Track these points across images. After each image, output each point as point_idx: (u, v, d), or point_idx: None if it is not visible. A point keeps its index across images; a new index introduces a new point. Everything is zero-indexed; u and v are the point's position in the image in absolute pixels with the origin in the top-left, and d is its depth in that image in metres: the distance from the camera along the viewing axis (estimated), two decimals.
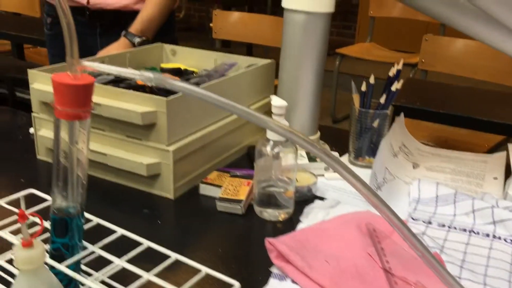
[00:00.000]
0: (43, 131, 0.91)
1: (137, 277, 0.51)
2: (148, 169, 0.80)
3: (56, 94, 0.47)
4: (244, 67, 1.09)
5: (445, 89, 1.76)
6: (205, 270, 0.51)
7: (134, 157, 0.81)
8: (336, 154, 0.97)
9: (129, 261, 0.53)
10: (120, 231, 0.58)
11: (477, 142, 1.93)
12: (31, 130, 1.07)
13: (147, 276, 0.51)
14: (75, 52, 0.47)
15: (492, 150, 1.87)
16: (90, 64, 0.47)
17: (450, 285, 0.46)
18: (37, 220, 0.58)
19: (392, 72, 0.93)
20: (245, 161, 0.98)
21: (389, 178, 0.88)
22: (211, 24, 3.08)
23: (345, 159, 0.99)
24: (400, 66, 0.93)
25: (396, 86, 0.91)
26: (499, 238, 0.72)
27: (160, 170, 0.81)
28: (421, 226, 0.74)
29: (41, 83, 0.89)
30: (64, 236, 0.52)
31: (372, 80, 0.92)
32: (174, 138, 0.81)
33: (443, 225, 0.75)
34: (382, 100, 0.91)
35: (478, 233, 0.73)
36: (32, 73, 0.89)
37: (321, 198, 0.83)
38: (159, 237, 0.57)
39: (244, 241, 0.73)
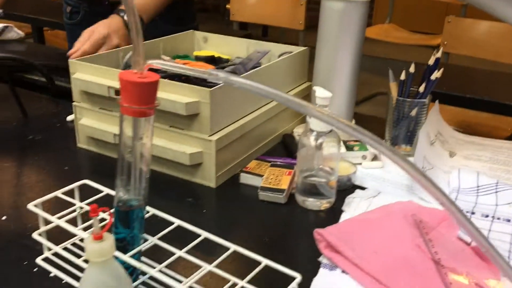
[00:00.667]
0: (84, 120, 0.93)
1: (195, 267, 0.52)
2: (191, 158, 0.81)
3: (123, 92, 0.48)
4: (277, 55, 1.09)
5: (468, 72, 1.74)
6: (265, 261, 0.53)
7: (177, 146, 0.83)
8: None
9: (187, 251, 0.55)
10: (177, 222, 0.59)
11: (499, 125, 1.92)
12: (69, 118, 1.08)
13: (209, 267, 0.52)
14: (141, 50, 0.48)
15: None
16: (157, 62, 0.48)
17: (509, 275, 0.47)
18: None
19: (432, 60, 0.92)
20: (281, 149, 0.99)
21: (428, 167, 0.88)
22: (227, 6, 3.06)
23: None
24: (439, 54, 0.93)
25: (436, 75, 0.90)
26: None
27: (202, 159, 0.82)
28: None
29: (82, 73, 0.90)
30: (127, 228, 0.54)
31: (412, 69, 0.91)
32: (216, 128, 0.82)
33: (487, 216, 0.75)
34: (421, 89, 0.91)
35: None
36: (73, 63, 0.90)
37: (361, 188, 0.84)
38: (204, 226, 0.58)
39: (289, 230, 0.74)
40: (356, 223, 0.69)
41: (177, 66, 0.47)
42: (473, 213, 0.76)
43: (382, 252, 0.63)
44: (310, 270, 0.64)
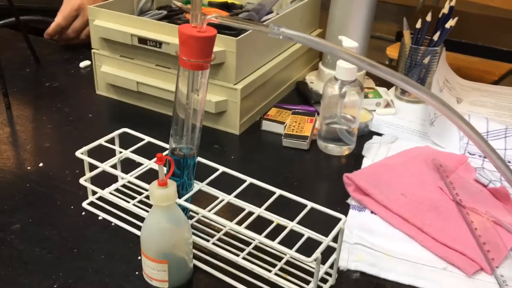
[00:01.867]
0: (104, 67, 0.93)
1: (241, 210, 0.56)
2: (216, 106, 0.84)
3: (183, 45, 0.50)
4: (289, 1, 1.10)
5: (460, 16, 1.76)
6: (310, 204, 0.57)
7: None
8: (383, 89, 1.01)
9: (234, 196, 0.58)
10: (221, 169, 0.63)
11: (488, 70, 1.96)
12: (82, 64, 1.08)
13: (258, 211, 0.56)
14: (199, 4, 0.49)
15: (503, 78, 1.91)
16: (215, 16, 0.49)
17: None
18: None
19: (446, 9, 0.94)
20: (295, 96, 1.01)
21: (439, 113, 0.93)
22: None
23: (391, 93, 1.03)
24: (453, 3, 0.95)
25: (450, 23, 0.93)
26: None
27: (226, 107, 0.85)
28: (478, 160, 0.80)
29: (102, 20, 0.90)
30: (180, 175, 0.57)
31: (429, 17, 0.94)
32: (240, 77, 0.84)
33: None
34: (436, 37, 0.94)
35: None
36: (92, 10, 0.90)
37: (378, 134, 0.88)
38: (235, 171, 0.62)
39: (314, 175, 0.78)
40: (381, 168, 0.73)
41: (235, 20, 0.49)
42: (485, 157, 0.81)
43: (408, 194, 0.68)
44: (340, 211, 0.68)
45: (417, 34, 0.96)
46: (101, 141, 0.66)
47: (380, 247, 0.62)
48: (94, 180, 0.66)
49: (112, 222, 0.64)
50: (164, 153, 0.58)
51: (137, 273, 0.57)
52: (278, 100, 0.98)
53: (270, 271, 0.54)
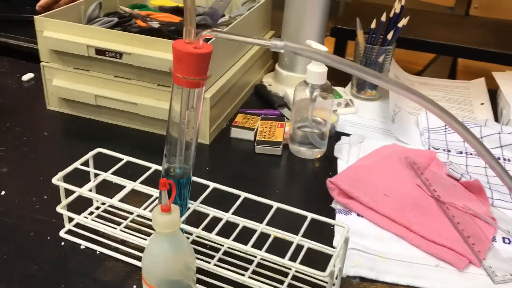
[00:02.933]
0: (56, 81, 0.87)
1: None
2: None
3: (179, 63, 0.47)
4: (240, 3, 1.09)
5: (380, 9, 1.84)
6: (310, 216, 0.56)
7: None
8: (340, 88, 1.03)
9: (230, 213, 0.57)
10: (212, 185, 0.61)
11: (413, 60, 2.06)
12: (25, 77, 1.01)
13: (261, 227, 0.55)
14: (193, 20, 0.47)
15: (426, 67, 2.02)
16: (210, 32, 0.47)
17: None
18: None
19: (397, 8, 0.97)
20: (255, 100, 1.01)
21: (396, 109, 0.96)
22: None
23: (348, 92, 1.05)
24: (403, 2, 0.98)
25: (403, 22, 0.96)
26: (509, 160, 0.83)
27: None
28: (443, 154, 0.83)
29: (52, 31, 0.83)
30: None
31: (383, 18, 0.96)
32: (207, 85, 0.82)
33: (461, 152, 0.85)
34: (390, 36, 0.97)
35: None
36: (40, 20, 0.84)
37: (345, 134, 0.89)
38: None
39: (293, 180, 0.78)
40: (360, 169, 0.74)
41: (233, 34, 0.48)
42: (449, 150, 0.85)
43: (390, 194, 0.70)
44: (326, 216, 0.69)
45: (372, 34, 0.98)
46: (77, 164, 0.62)
47: (373, 250, 0.63)
48: (67, 206, 0.61)
49: (97, 251, 0.60)
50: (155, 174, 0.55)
51: None
52: (241, 105, 0.97)
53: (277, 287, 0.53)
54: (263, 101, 0.99)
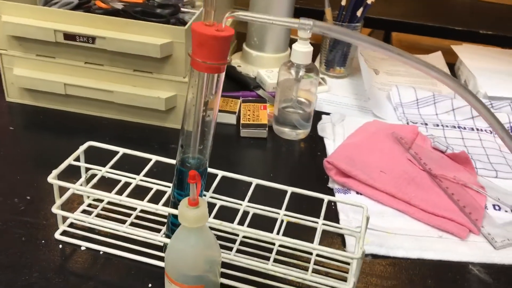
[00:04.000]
0: (17, 70, 0.80)
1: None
2: (166, 103, 0.77)
3: (199, 46, 0.44)
4: None
5: None
6: (327, 198, 0.56)
7: (149, 92, 0.77)
8: None
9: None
10: (221, 173, 0.58)
11: None
12: None
13: (282, 213, 0.54)
14: (214, 2, 0.44)
15: None
16: (238, 14, 0.44)
17: None
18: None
19: None
20: (226, 82, 0.97)
21: (368, 86, 0.97)
22: None
23: None
24: None
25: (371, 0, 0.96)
26: (481, 130, 0.87)
27: (176, 103, 0.79)
28: (422, 128, 0.85)
29: (12, 15, 0.76)
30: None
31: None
32: (188, 68, 0.78)
33: (437, 125, 0.87)
34: (359, 13, 0.97)
35: (465, 128, 0.87)
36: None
37: (324, 113, 0.89)
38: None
39: (285, 162, 0.77)
40: (351, 148, 0.74)
41: (259, 16, 0.45)
42: (426, 124, 0.87)
43: (386, 170, 0.70)
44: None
45: (342, 11, 0.98)
46: (70, 160, 0.57)
47: (379, 227, 0.63)
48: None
49: (100, 251, 0.56)
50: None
51: None
52: None
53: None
54: (236, 82, 0.97)
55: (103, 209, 0.61)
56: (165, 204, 0.54)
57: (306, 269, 0.54)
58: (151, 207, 0.53)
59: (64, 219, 0.59)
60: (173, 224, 0.54)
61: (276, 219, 0.55)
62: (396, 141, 0.77)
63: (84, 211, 0.61)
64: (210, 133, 0.50)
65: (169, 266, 0.47)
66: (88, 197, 0.63)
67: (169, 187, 0.59)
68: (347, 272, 0.56)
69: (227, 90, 0.92)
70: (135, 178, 0.57)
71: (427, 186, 0.70)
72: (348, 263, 0.56)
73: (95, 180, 0.58)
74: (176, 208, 0.51)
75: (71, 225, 0.59)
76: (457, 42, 1.22)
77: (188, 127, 0.50)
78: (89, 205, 0.62)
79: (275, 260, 0.55)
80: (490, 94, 0.91)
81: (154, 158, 0.60)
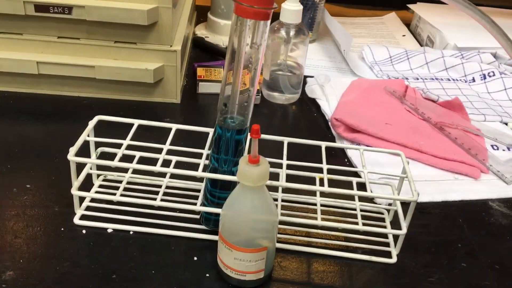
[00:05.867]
0: None
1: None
2: (155, 74, 0.72)
3: None
4: None
5: None
6: (362, 148, 0.55)
7: (133, 64, 0.72)
8: None
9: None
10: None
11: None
12: None
13: (325, 167, 0.52)
14: None
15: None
16: None
17: None
18: None
19: None
20: (199, 54, 0.94)
21: (345, 47, 0.96)
22: None
23: None
24: None
25: None
26: (457, 79, 0.90)
27: (163, 74, 0.74)
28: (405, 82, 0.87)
29: None
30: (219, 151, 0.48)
31: None
32: (175, 37, 0.74)
33: (417, 78, 0.89)
34: None
35: (442, 79, 0.90)
36: None
37: (306, 77, 0.88)
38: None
39: (284, 127, 0.75)
40: (352, 104, 0.74)
41: None
42: (406, 78, 0.89)
43: (391, 122, 0.71)
44: (335, 154, 0.68)
45: None
46: (84, 136, 0.52)
47: (398, 176, 0.64)
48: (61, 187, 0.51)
49: (130, 231, 0.52)
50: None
51: (208, 275, 0.48)
52: (188, 61, 0.90)
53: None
54: (209, 53, 0.93)
55: (120, 183, 0.56)
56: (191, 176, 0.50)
57: (350, 222, 0.53)
58: (189, 174, 0.49)
59: (80, 201, 0.53)
60: (210, 193, 0.50)
61: (312, 178, 0.54)
62: (390, 95, 0.78)
63: (97, 193, 0.56)
64: (252, 90, 0.47)
65: (227, 231, 0.44)
66: (98, 176, 0.57)
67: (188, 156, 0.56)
68: (384, 221, 0.56)
69: (202, 61, 0.88)
70: (160, 149, 0.53)
71: (431, 134, 0.71)
72: (394, 209, 0.55)
73: (120, 154, 0.52)
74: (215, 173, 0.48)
75: (88, 208, 0.54)
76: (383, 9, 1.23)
77: (234, 83, 0.46)
78: (101, 186, 0.57)
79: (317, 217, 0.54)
80: (460, 45, 0.95)
81: (174, 126, 0.55)
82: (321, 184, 0.50)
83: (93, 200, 0.54)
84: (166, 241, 0.51)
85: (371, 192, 0.49)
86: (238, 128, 0.47)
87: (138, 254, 0.49)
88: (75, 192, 0.50)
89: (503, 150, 0.72)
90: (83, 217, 0.53)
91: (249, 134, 0.46)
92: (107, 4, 0.67)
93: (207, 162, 0.51)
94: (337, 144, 0.55)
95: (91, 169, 0.55)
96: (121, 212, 0.53)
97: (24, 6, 0.67)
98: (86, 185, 0.54)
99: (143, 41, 0.71)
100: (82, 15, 0.68)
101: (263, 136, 0.54)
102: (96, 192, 0.56)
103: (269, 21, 0.44)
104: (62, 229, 0.51)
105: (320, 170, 0.54)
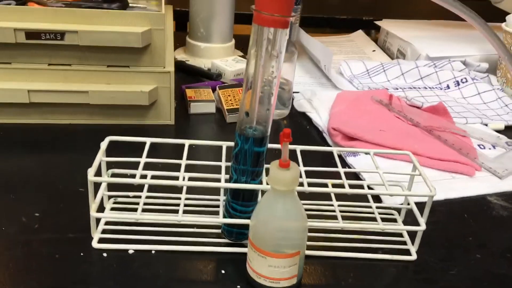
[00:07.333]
0: None
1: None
2: (150, 96, 0.72)
3: None
4: None
5: None
6: (372, 151, 0.57)
7: (127, 87, 0.71)
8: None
9: None
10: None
11: None
12: None
13: (342, 171, 0.53)
14: None
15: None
16: None
17: None
18: None
19: None
20: (184, 77, 0.94)
21: (326, 62, 0.99)
22: None
23: None
24: None
25: None
26: (433, 87, 0.94)
27: (157, 96, 0.74)
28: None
29: None
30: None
31: None
32: (168, 58, 0.74)
33: (396, 88, 0.93)
34: None
35: (419, 87, 0.94)
36: None
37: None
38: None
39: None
40: (343, 115, 0.76)
41: None
42: (386, 89, 0.92)
43: (384, 128, 0.73)
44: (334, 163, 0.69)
45: None
46: (99, 157, 0.51)
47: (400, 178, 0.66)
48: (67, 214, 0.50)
49: (151, 250, 0.51)
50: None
51: (238, 287, 0.48)
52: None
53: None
54: (192, 75, 0.94)
55: (131, 204, 0.55)
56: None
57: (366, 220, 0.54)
58: (212, 186, 0.49)
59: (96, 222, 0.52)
60: (231, 204, 0.50)
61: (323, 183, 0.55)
62: (378, 103, 0.81)
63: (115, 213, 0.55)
64: (272, 98, 0.48)
65: (260, 238, 0.45)
66: (109, 198, 0.56)
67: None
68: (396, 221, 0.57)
69: (186, 83, 0.89)
70: (172, 165, 0.53)
71: (422, 137, 0.74)
72: (392, 213, 0.57)
73: (139, 173, 0.51)
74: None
75: (103, 231, 0.53)
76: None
77: (254, 91, 0.47)
78: (113, 208, 0.56)
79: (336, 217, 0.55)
80: (432, 55, 1.00)
81: (187, 142, 0.55)
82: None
83: (107, 222, 0.53)
84: (190, 258, 0.50)
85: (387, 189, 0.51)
86: (259, 136, 0.48)
87: (164, 273, 0.48)
88: (94, 214, 0.49)
89: (489, 148, 0.75)
90: (101, 241, 0.51)
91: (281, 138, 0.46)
92: (100, 28, 0.67)
93: (219, 175, 0.51)
94: (348, 148, 0.57)
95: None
96: (139, 232, 0.52)
97: (14, 34, 0.66)
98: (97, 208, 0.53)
99: (137, 63, 0.71)
100: (74, 40, 0.67)
101: (273, 146, 0.55)
102: (110, 213, 0.54)
103: (288, 29, 0.46)
104: (82, 254, 0.50)
105: (331, 175, 0.55)
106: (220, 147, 0.56)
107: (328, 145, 0.73)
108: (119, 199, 0.57)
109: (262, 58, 0.46)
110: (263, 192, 0.50)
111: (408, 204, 0.56)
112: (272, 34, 0.45)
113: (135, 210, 0.53)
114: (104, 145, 0.53)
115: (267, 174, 0.50)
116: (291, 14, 0.45)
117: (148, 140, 0.55)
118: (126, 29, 0.68)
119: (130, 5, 0.85)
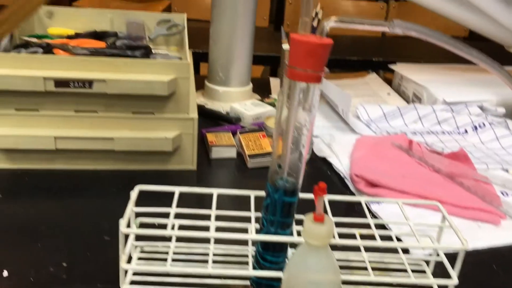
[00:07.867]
0: None
1: None
2: (173, 143, 0.73)
3: (308, 56, 0.44)
4: (155, 24, 1.02)
5: None
6: (401, 201, 0.56)
7: (151, 134, 0.72)
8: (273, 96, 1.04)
9: None
10: None
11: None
12: None
13: (371, 219, 0.53)
14: (310, 12, 0.44)
15: (263, 74, 2.16)
16: (339, 23, 0.45)
17: None
18: None
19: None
20: (203, 121, 0.95)
21: (344, 107, 1.00)
22: None
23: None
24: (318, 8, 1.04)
25: None
26: (451, 132, 0.95)
27: (180, 142, 0.75)
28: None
29: None
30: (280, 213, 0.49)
31: (315, 23, 1.00)
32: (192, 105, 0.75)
33: (415, 133, 0.93)
34: None
35: (437, 132, 0.94)
36: None
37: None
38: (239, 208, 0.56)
39: (303, 188, 0.76)
40: (365, 161, 0.77)
41: (359, 21, 0.46)
42: (405, 133, 0.93)
43: (406, 175, 0.73)
44: (358, 211, 0.69)
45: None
46: (130, 207, 0.51)
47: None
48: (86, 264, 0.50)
49: None
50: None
51: None
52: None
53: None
54: (212, 119, 0.95)
55: (158, 254, 0.55)
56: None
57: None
58: (245, 238, 0.49)
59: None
60: (262, 256, 0.50)
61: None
62: (398, 149, 0.81)
63: (142, 259, 0.55)
64: (305, 148, 0.49)
65: None
66: (136, 247, 0.56)
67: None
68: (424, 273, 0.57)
69: (206, 127, 0.90)
70: (208, 215, 0.53)
71: (445, 184, 0.74)
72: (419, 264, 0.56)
73: (171, 223, 0.51)
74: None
75: (131, 282, 0.52)
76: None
77: (285, 144, 0.47)
78: (140, 258, 0.56)
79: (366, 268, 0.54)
80: (448, 100, 1.01)
81: (216, 191, 0.56)
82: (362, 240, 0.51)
83: (135, 272, 0.53)
84: None
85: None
86: (290, 189, 0.48)
87: None
88: (125, 266, 0.49)
89: None
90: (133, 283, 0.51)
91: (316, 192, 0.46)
92: (127, 77, 0.68)
93: (247, 224, 0.51)
94: (376, 198, 0.57)
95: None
96: (167, 284, 0.52)
97: (44, 83, 0.67)
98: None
99: (161, 110, 0.72)
100: (102, 88, 0.68)
101: (301, 195, 0.55)
102: (138, 264, 0.54)
103: (321, 84, 0.47)
104: None
105: (357, 224, 0.55)
106: (248, 196, 0.56)
107: (350, 191, 0.73)
108: (146, 248, 0.56)
109: (294, 110, 0.46)
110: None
111: (438, 255, 0.55)
112: (305, 88, 0.46)
113: (162, 259, 0.53)
114: (134, 195, 0.53)
115: (296, 224, 0.50)
116: (324, 70, 0.46)
117: (177, 189, 0.55)
118: (152, 78, 0.69)
119: (152, 51, 0.87)
